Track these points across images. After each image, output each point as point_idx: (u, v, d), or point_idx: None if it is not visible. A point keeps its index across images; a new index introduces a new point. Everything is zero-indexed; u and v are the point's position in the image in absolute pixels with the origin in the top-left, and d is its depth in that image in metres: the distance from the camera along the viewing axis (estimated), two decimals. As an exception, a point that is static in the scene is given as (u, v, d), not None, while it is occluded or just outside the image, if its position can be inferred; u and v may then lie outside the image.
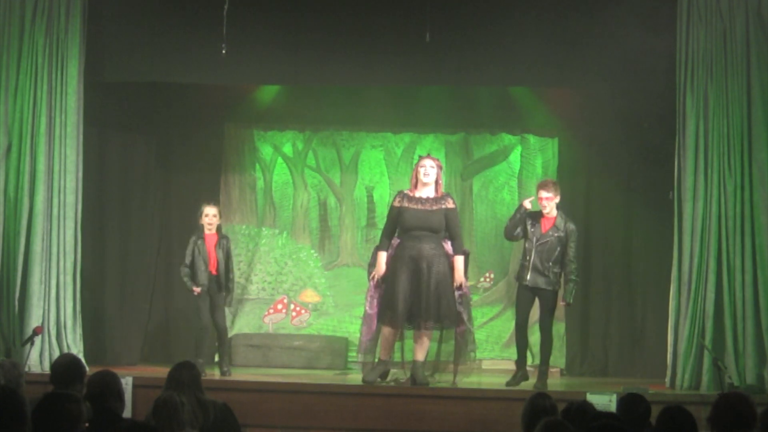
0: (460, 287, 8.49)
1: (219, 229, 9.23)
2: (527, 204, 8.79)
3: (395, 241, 8.54)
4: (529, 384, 8.52)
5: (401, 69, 9.12)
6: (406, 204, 8.50)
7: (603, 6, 8.82)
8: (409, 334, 8.61)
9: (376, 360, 8.57)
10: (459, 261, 8.49)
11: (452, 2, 8.99)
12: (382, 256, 8.51)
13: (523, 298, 8.76)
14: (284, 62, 9.10)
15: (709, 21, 8.69)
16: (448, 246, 8.53)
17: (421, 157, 8.72)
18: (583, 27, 8.82)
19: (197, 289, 9.01)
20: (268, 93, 10.78)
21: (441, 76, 9.27)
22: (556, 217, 8.71)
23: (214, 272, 9.09)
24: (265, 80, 9.99)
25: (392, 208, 8.64)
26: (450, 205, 8.55)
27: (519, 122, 10.71)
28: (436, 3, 8.82)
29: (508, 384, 8.60)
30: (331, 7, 9.04)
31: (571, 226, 8.72)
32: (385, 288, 8.45)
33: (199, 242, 9.09)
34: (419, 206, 8.47)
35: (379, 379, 8.47)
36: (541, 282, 8.63)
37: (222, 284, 9.12)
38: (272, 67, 9.22)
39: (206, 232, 9.14)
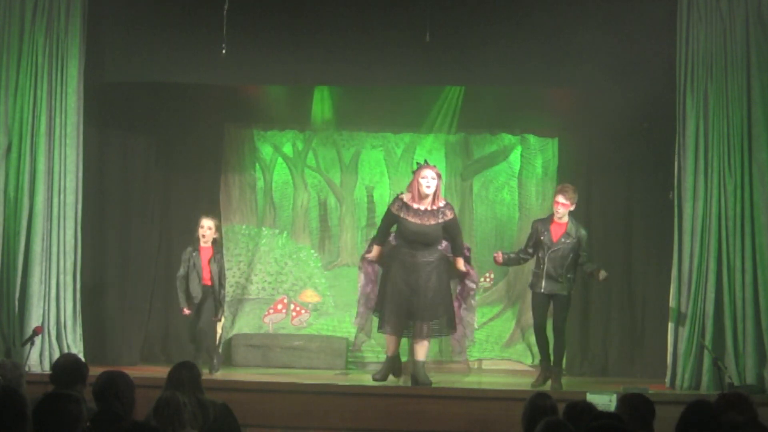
0: (463, 288, 8.60)
1: (215, 242, 9.31)
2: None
3: (392, 241, 8.58)
4: (546, 385, 8.55)
5: (401, 69, 9.12)
6: (404, 215, 8.45)
7: (603, 6, 8.82)
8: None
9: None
10: (459, 261, 8.56)
11: (452, 2, 8.99)
12: (377, 249, 8.60)
13: (539, 303, 8.79)
14: (284, 62, 9.10)
15: (709, 21, 8.70)
16: (444, 248, 8.55)
17: (421, 166, 8.59)
18: (583, 27, 8.81)
19: (187, 311, 9.15)
20: (269, 93, 10.79)
21: (441, 76, 9.27)
22: (567, 224, 8.71)
23: (208, 283, 9.19)
24: (265, 80, 9.99)
25: (390, 213, 8.58)
26: (449, 217, 8.49)
27: (519, 122, 10.70)
28: (436, 3, 8.82)
29: (533, 385, 8.62)
30: (330, 7, 9.04)
31: (583, 232, 8.74)
32: (380, 293, 8.54)
33: (194, 255, 9.19)
34: (417, 220, 8.43)
35: (392, 375, 8.55)
36: (556, 288, 8.66)
37: (215, 295, 9.23)
38: (272, 67, 9.22)
39: (201, 245, 9.21)
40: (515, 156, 10.82)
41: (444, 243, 8.56)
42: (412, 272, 8.40)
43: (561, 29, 8.86)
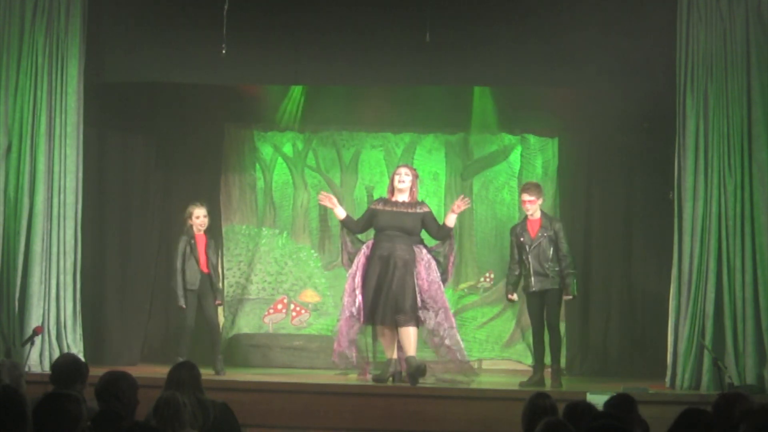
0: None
1: (208, 229, 9.31)
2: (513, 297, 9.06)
3: (369, 242, 8.77)
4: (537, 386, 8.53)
5: (401, 69, 9.13)
6: (381, 207, 8.79)
7: (603, 6, 8.82)
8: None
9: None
10: (449, 219, 8.74)
11: (452, 2, 8.99)
12: (345, 216, 8.84)
13: (533, 306, 8.92)
14: (284, 62, 9.10)
15: (709, 21, 8.69)
16: (420, 251, 8.67)
17: (398, 166, 9.12)
18: (583, 27, 8.81)
19: (183, 307, 9.13)
20: (269, 93, 10.79)
21: (441, 76, 9.27)
22: (540, 219, 8.86)
23: (206, 271, 9.17)
24: (265, 80, 9.99)
25: (368, 209, 9.03)
26: (426, 209, 8.83)
27: (519, 122, 10.71)
28: (436, 3, 8.82)
29: (521, 385, 8.64)
30: (330, 7, 9.04)
31: (557, 224, 8.92)
32: (361, 290, 8.68)
33: (192, 242, 9.17)
34: (393, 208, 8.71)
35: (391, 379, 8.59)
36: (546, 284, 8.75)
37: (213, 283, 9.26)
38: (272, 67, 9.22)
39: (196, 232, 9.21)
40: (515, 156, 10.82)
41: (423, 250, 8.67)
42: (386, 264, 8.56)
43: (561, 29, 8.85)
